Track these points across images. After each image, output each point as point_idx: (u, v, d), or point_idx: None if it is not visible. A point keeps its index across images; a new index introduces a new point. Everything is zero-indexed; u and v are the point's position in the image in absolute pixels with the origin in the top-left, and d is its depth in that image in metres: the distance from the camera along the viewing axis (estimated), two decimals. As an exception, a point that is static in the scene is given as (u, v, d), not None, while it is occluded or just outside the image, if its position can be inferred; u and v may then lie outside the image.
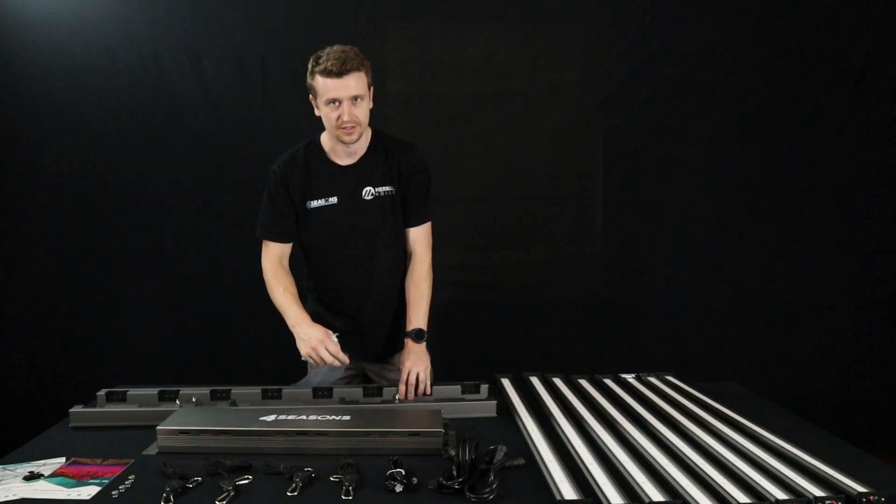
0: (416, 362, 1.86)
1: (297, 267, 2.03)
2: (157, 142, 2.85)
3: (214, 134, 2.86)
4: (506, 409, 1.80)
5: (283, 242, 1.96)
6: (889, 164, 3.03)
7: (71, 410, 1.74)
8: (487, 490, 1.29)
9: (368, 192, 1.91)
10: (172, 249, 2.91)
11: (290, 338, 2.96)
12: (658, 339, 3.07)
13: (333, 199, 1.91)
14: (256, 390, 1.83)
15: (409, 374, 1.84)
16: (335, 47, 1.76)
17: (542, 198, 2.82)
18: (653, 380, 2.06)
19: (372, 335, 2.03)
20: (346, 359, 1.80)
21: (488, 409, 1.81)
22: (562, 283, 3.02)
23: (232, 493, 1.31)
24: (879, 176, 3.03)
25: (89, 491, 1.33)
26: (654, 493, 1.24)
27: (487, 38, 2.79)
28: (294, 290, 1.92)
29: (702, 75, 2.93)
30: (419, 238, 2.00)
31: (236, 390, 1.83)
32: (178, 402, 1.80)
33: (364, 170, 1.92)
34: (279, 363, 2.98)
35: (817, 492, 1.25)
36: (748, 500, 1.23)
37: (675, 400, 1.87)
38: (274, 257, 1.96)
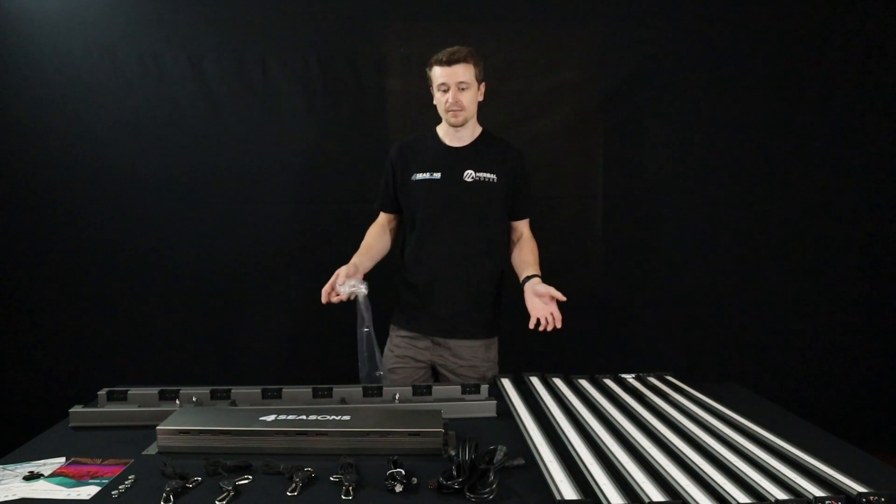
0: (535, 299, 2.00)
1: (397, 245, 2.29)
2: (157, 142, 2.85)
3: (214, 134, 2.86)
4: (506, 409, 1.80)
5: (386, 212, 2.28)
6: (889, 164, 3.02)
7: (71, 410, 1.74)
8: (487, 490, 1.29)
9: (469, 175, 2.13)
10: (172, 249, 2.91)
11: (289, 338, 2.99)
12: (658, 339, 3.06)
13: (437, 175, 2.14)
14: (256, 390, 1.83)
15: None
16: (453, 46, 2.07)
17: (542, 198, 2.82)
18: (653, 380, 2.06)
19: (446, 308, 2.16)
20: (341, 281, 1.93)
21: (488, 409, 1.81)
22: (562, 283, 3.00)
23: (232, 493, 1.31)
24: (880, 176, 3.03)
25: (89, 491, 1.33)
26: (654, 493, 1.24)
27: (487, 38, 2.79)
28: (372, 245, 2.19)
29: (702, 75, 2.93)
30: (523, 228, 2.27)
31: (236, 390, 1.83)
32: (178, 402, 1.80)
33: (469, 154, 2.16)
34: (280, 363, 3.01)
35: (817, 492, 1.25)
36: (748, 500, 1.23)
37: (675, 400, 1.87)
38: (380, 222, 2.29)
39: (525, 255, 2.17)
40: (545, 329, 1.97)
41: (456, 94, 2.05)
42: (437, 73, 2.06)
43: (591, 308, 3.04)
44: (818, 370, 3.11)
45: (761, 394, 2.06)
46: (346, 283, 1.93)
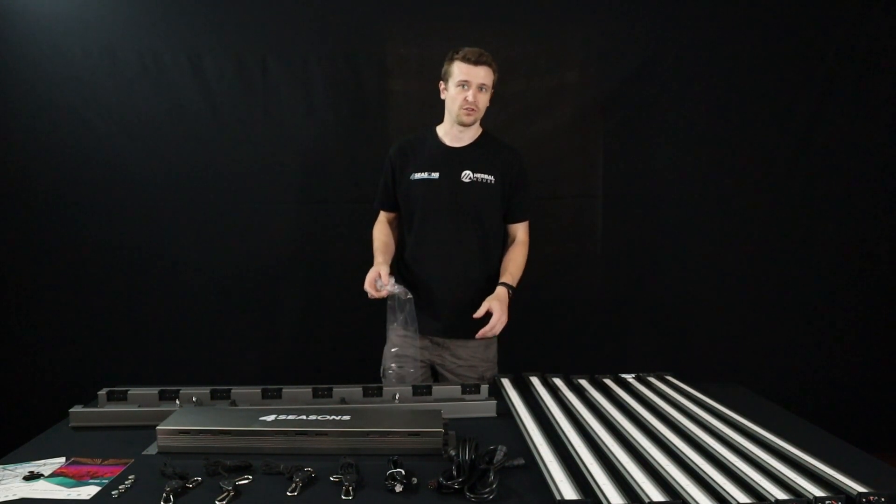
0: (493, 300, 2.04)
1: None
2: (157, 142, 2.85)
3: (214, 134, 2.86)
4: (506, 409, 1.80)
5: (386, 211, 2.30)
6: (889, 164, 3.02)
7: (71, 410, 1.74)
8: (487, 490, 1.29)
9: (467, 175, 2.14)
10: (172, 249, 2.91)
11: (289, 338, 2.99)
12: (658, 339, 3.06)
13: (435, 175, 2.15)
14: (256, 390, 1.83)
15: (488, 308, 2.01)
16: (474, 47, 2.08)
17: (542, 198, 2.82)
18: (653, 380, 2.07)
19: (444, 308, 2.18)
20: (385, 282, 2.02)
21: (488, 409, 1.82)
22: (562, 283, 3.02)
23: (232, 493, 1.31)
24: (879, 176, 3.03)
25: (89, 491, 1.33)
26: (654, 493, 1.24)
27: (487, 38, 2.78)
28: (388, 243, 2.23)
29: (702, 75, 2.93)
30: (518, 232, 2.25)
31: (236, 390, 1.83)
32: (178, 402, 1.80)
33: (468, 155, 2.17)
34: (280, 363, 3.01)
35: (817, 492, 1.25)
36: (748, 500, 1.23)
37: (675, 400, 1.87)
38: (383, 220, 2.32)
39: (506, 262, 2.19)
40: (482, 331, 2.02)
41: (476, 94, 2.06)
42: (461, 70, 2.06)
43: (590, 308, 3.05)
44: (818, 370, 3.11)
45: (761, 394, 2.06)
46: (390, 284, 2.01)
